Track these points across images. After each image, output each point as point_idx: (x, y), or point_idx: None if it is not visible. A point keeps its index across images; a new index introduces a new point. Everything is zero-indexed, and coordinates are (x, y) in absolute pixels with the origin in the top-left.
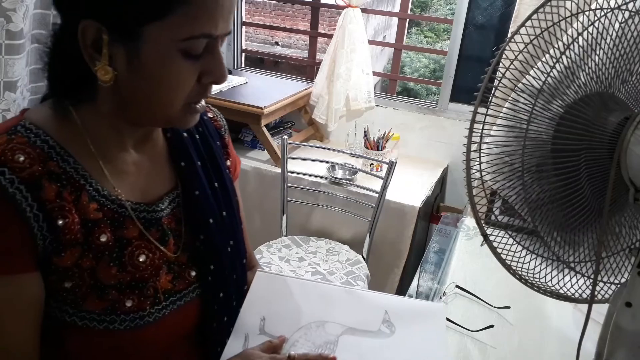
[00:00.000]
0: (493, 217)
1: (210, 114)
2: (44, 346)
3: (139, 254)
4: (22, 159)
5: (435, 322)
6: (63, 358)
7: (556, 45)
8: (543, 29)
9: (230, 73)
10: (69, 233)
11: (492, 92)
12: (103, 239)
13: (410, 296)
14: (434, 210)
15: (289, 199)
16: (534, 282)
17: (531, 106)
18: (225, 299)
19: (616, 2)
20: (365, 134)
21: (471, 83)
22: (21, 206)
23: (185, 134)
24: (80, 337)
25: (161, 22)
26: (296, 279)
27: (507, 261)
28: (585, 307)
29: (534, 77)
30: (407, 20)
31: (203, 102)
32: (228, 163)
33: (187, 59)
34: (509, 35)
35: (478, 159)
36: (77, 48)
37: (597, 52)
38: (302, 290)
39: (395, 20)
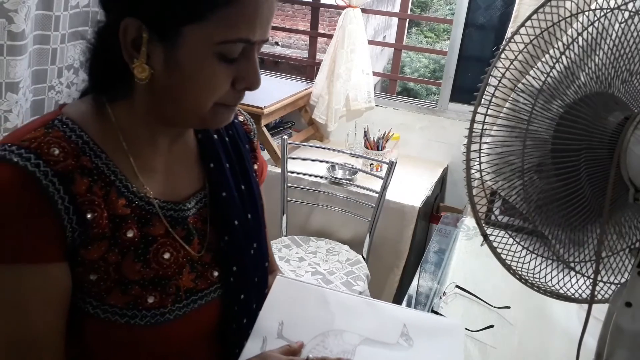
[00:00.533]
0: (493, 217)
1: (241, 118)
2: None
3: (164, 252)
4: (57, 152)
5: (453, 339)
6: (82, 350)
7: (556, 46)
8: (543, 29)
9: None
10: (97, 227)
11: (492, 92)
12: (129, 234)
13: (410, 296)
14: (434, 210)
15: (289, 199)
16: (534, 282)
17: (531, 106)
18: (245, 301)
19: (616, 2)
20: (365, 134)
21: (471, 83)
22: (53, 198)
23: (215, 136)
24: (101, 329)
25: (200, 24)
26: (316, 286)
27: (507, 261)
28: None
29: (533, 77)
30: (407, 20)
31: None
32: (255, 167)
33: (222, 62)
34: (509, 35)
35: (478, 159)
36: (118, 46)
37: (597, 52)
38: (322, 297)
39: (395, 20)
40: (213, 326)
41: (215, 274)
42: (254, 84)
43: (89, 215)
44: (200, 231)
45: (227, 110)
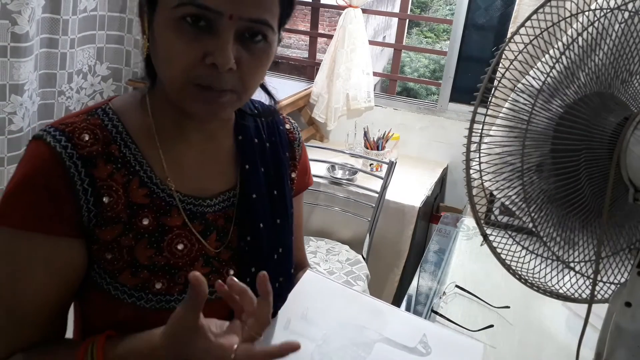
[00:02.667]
0: (493, 217)
1: (287, 126)
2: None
3: (178, 242)
4: (87, 138)
5: (470, 358)
6: (91, 324)
7: (556, 46)
8: (543, 29)
9: None
10: (111, 211)
11: (492, 92)
12: (145, 222)
13: (410, 296)
14: (434, 210)
15: None
16: (534, 282)
17: (531, 106)
18: None
19: (616, 2)
20: (365, 134)
21: (471, 83)
22: (73, 179)
23: (256, 140)
24: (111, 305)
25: None
26: (342, 286)
27: (507, 261)
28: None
29: (533, 77)
30: (407, 20)
31: (228, 99)
32: (293, 175)
33: (186, 30)
34: (509, 35)
35: (478, 159)
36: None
37: (597, 53)
38: (347, 296)
39: (395, 20)
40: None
41: (231, 272)
42: (218, 60)
43: (105, 199)
44: (222, 229)
45: (199, 92)
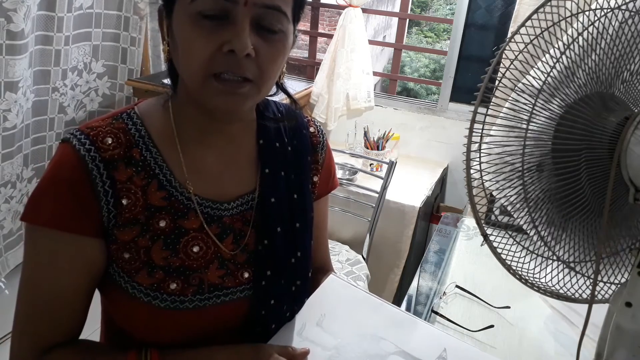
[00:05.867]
0: (493, 217)
1: (311, 129)
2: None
3: (194, 245)
4: (109, 142)
5: None
6: (112, 319)
7: (556, 45)
8: (543, 29)
9: None
10: (129, 213)
11: (493, 92)
12: (162, 224)
13: (410, 296)
14: (434, 210)
15: None
16: (534, 282)
17: (531, 106)
18: (276, 307)
19: (616, 2)
20: (365, 134)
21: (471, 83)
22: (95, 180)
23: (277, 144)
24: (128, 303)
25: None
26: (365, 293)
27: (507, 261)
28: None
29: (534, 77)
30: (407, 20)
31: (248, 90)
32: (315, 179)
33: (204, 23)
34: (509, 35)
35: (478, 159)
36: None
37: (597, 52)
38: (368, 304)
39: (395, 20)
40: (237, 324)
41: (246, 275)
42: (236, 46)
43: (124, 201)
44: (239, 231)
45: (219, 84)
